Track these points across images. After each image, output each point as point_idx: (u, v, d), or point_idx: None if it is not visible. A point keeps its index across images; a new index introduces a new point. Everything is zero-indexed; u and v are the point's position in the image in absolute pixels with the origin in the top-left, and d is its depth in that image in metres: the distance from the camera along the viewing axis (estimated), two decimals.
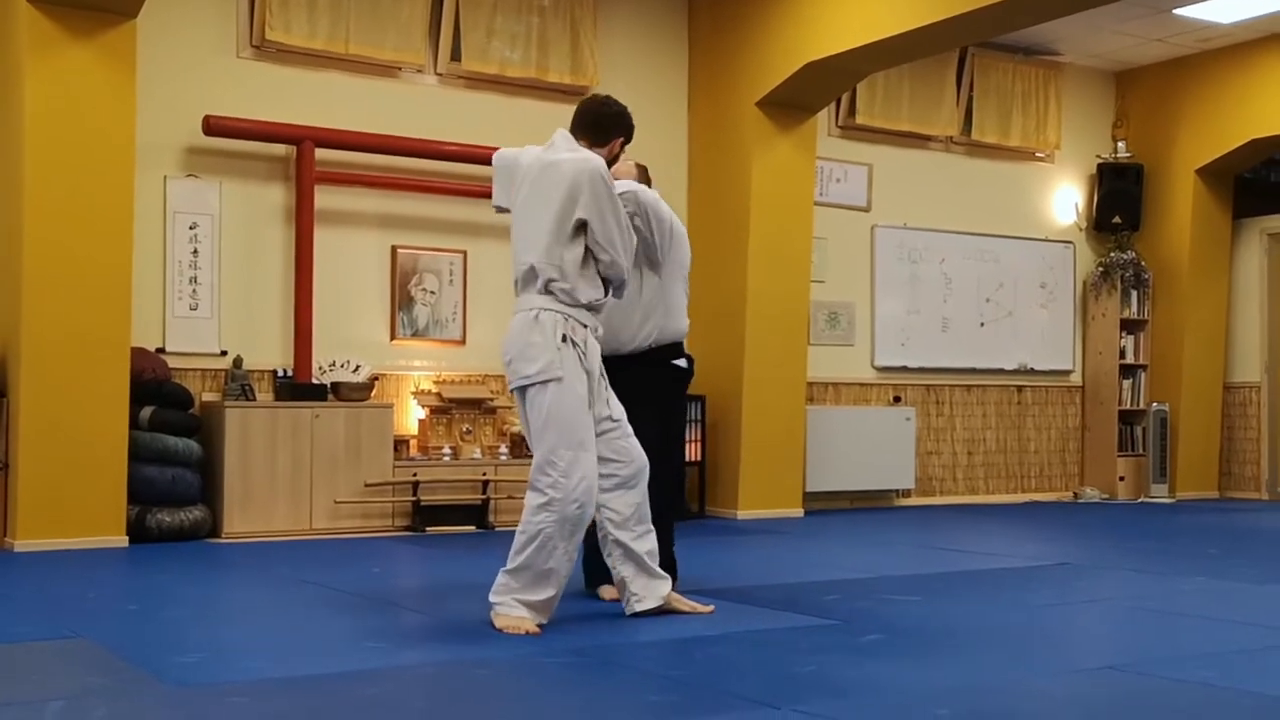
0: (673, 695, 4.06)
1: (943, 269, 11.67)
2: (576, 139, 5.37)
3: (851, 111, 11.05)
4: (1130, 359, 12.35)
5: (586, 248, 5.16)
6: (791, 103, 9.89)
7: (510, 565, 5.07)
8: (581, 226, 5.13)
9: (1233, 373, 12.52)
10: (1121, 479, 12.20)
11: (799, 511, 10.20)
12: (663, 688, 4.16)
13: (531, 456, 5.13)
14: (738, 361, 9.99)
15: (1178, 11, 10.64)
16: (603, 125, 5.44)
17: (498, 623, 5.03)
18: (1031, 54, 11.92)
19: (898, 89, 11.19)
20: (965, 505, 11.49)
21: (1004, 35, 10.88)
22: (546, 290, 5.14)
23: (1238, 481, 12.50)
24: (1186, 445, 12.27)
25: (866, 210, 11.27)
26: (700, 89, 10.46)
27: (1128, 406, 12.30)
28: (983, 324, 11.89)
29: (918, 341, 11.53)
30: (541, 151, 5.32)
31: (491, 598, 5.11)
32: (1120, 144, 12.45)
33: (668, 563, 5.65)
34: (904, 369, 11.46)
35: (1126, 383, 12.33)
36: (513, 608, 5.04)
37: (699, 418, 9.90)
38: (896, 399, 11.39)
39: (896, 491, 11.28)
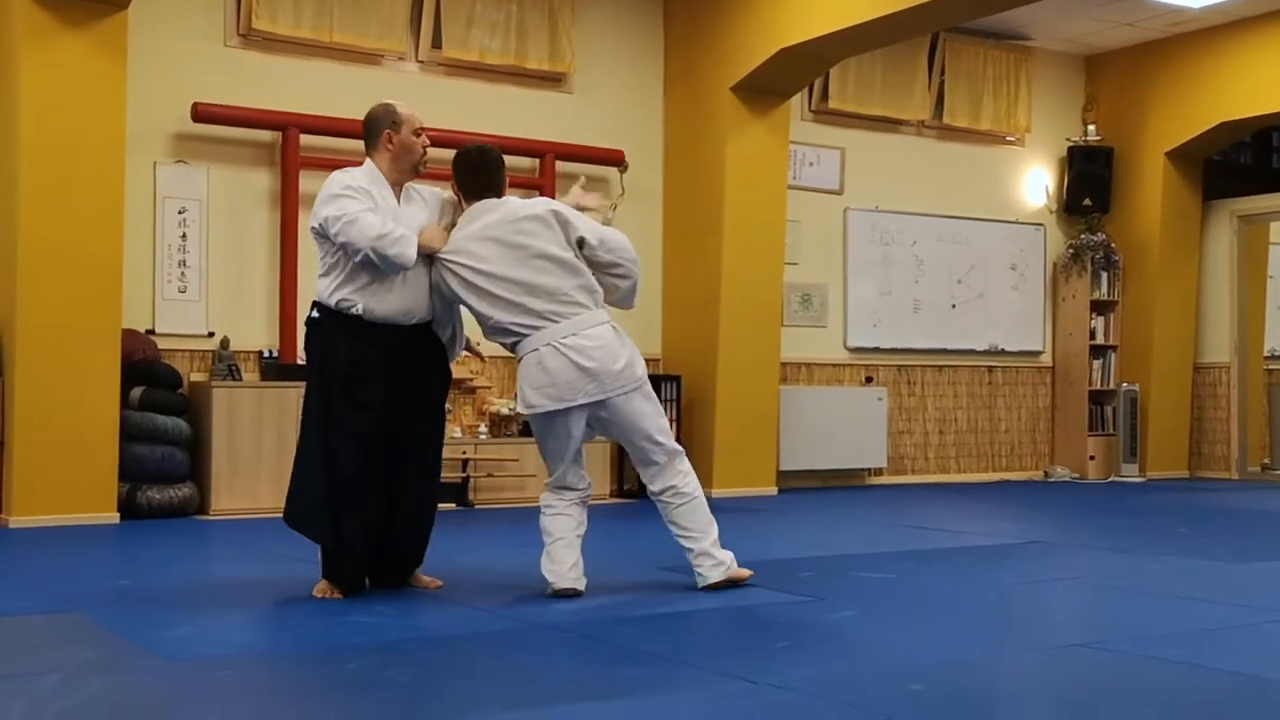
0: (649, 670, 4.12)
1: (914, 251, 11.79)
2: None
3: (824, 96, 11.16)
4: (1100, 340, 12.45)
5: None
6: (765, 88, 10.00)
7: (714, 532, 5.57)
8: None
9: (1202, 353, 12.61)
10: (1092, 458, 12.31)
11: (773, 490, 10.32)
12: (639, 662, 4.23)
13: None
14: (712, 342, 10.11)
15: None
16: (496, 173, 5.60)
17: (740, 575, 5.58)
18: (1002, 39, 12.02)
19: (870, 74, 11.29)
20: (937, 484, 11.61)
21: (975, 20, 11.00)
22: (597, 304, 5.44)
23: (1207, 461, 12.60)
24: (1156, 425, 12.36)
25: (839, 193, 11.38)
26: (676, 74, 10.57)
27: (1098, 387, 12.40)
28: (954, 305, 12.01)
29: (890, 322, 11.66)
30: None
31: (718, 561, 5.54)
32: (1090, 127, 12.54)
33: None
34: (876, 350, 11.59)
35: (1097, 363, 12.44)
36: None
37: (674, 398, 10.03)
38: (869, 379, 11.52)
39: (869, 470, 11.42)
